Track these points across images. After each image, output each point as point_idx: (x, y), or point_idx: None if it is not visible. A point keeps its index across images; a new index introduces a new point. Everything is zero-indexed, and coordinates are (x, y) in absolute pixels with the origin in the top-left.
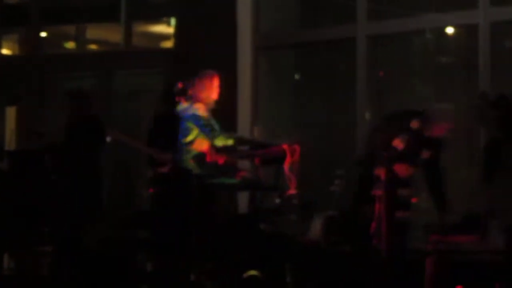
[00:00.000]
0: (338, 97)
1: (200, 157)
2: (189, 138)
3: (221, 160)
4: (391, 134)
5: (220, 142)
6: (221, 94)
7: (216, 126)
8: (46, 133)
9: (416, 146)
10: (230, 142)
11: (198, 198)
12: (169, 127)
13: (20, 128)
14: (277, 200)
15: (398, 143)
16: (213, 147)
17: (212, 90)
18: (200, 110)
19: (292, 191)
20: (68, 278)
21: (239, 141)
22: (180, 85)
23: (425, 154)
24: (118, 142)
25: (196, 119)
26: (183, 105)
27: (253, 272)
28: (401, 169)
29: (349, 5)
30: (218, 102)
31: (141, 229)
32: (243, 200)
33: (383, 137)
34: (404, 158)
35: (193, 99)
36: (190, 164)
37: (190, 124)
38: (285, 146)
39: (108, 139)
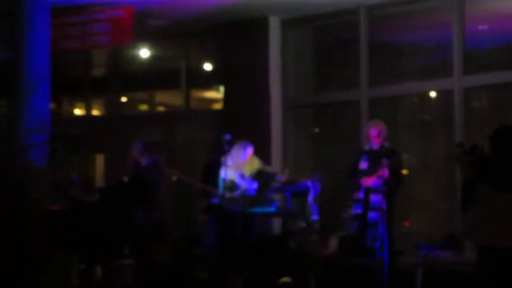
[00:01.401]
0: (346, 145)
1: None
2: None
3: None
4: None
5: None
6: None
7: (234, 186)
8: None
9: (373, 161)
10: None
11: (242, 222)
12: (218, 170)
13: (106, 170)
14: (303, 224)
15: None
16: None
17: (243, 159)
18: (230, 171)
19: (315, 217)
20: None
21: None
22: (226, 138)
23: (385, 162)
24: (179, 180)
25: (224, 178)
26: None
27: (286, 279)
28: (367, 181)
29: (355, 75)
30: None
31: (198, 247)
32: (277, 224)
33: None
34: (368, 173)
35: (229, 163)
36: (236, 198)
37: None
38: (309, 183)
39: (174, 178)
